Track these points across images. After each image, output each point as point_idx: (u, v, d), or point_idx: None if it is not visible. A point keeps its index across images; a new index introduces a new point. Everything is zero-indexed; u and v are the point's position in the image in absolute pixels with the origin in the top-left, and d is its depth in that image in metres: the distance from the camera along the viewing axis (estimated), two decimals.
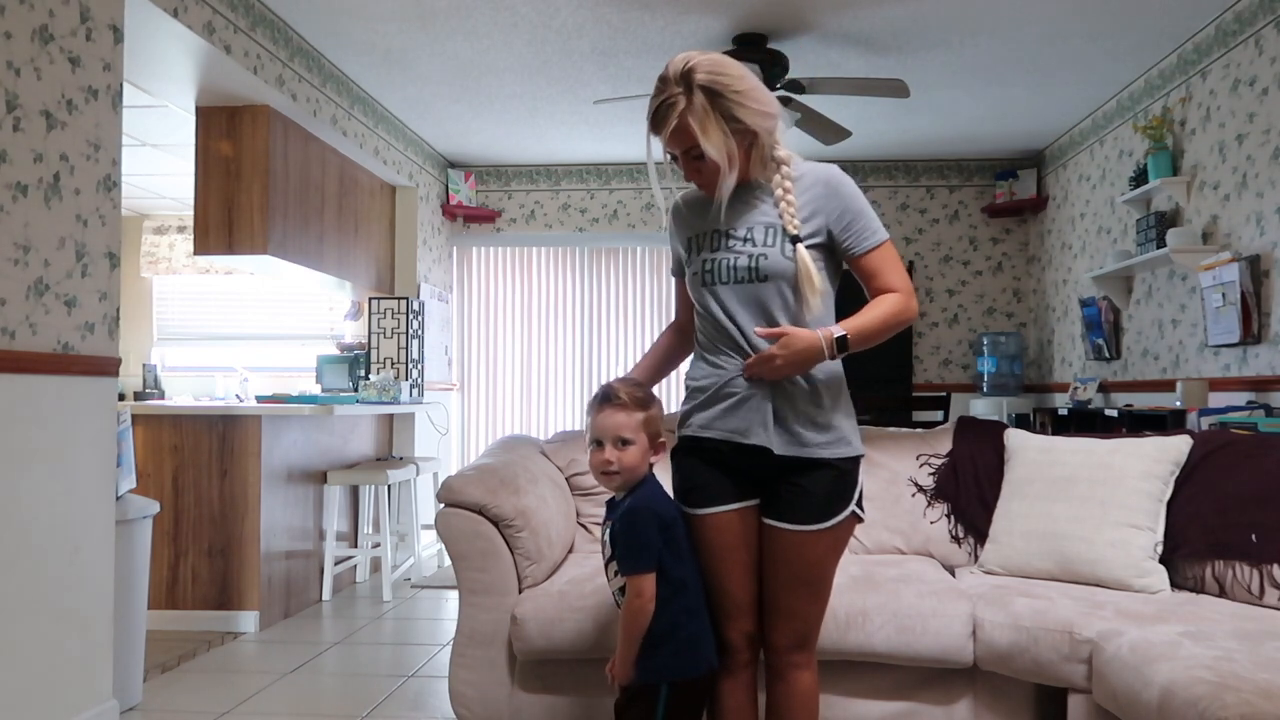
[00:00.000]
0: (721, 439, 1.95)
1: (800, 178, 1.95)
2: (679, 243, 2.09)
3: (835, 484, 1.93)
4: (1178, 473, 2.69)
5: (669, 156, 1.95)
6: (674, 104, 1.84)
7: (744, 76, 1.87)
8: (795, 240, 1.89)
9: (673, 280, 2.23)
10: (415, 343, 5.80)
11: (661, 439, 2.04)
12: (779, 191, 1.92)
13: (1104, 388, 5.39)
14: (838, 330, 1.87)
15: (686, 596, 1.99)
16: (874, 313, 1.92)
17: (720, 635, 2.02)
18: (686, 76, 1.83)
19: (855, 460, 1.98)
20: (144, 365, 6.90)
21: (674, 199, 2.12)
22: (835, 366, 1.96)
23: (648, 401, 2.04)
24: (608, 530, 2.02)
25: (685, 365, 2.16)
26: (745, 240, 1.93)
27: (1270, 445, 2.65)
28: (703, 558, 2.00)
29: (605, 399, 2.01)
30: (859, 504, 1.98)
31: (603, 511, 3.18)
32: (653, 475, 2.05)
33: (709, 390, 1.97)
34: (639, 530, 1.95)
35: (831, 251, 1.97)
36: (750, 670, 2.04)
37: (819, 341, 1.85)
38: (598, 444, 2.01)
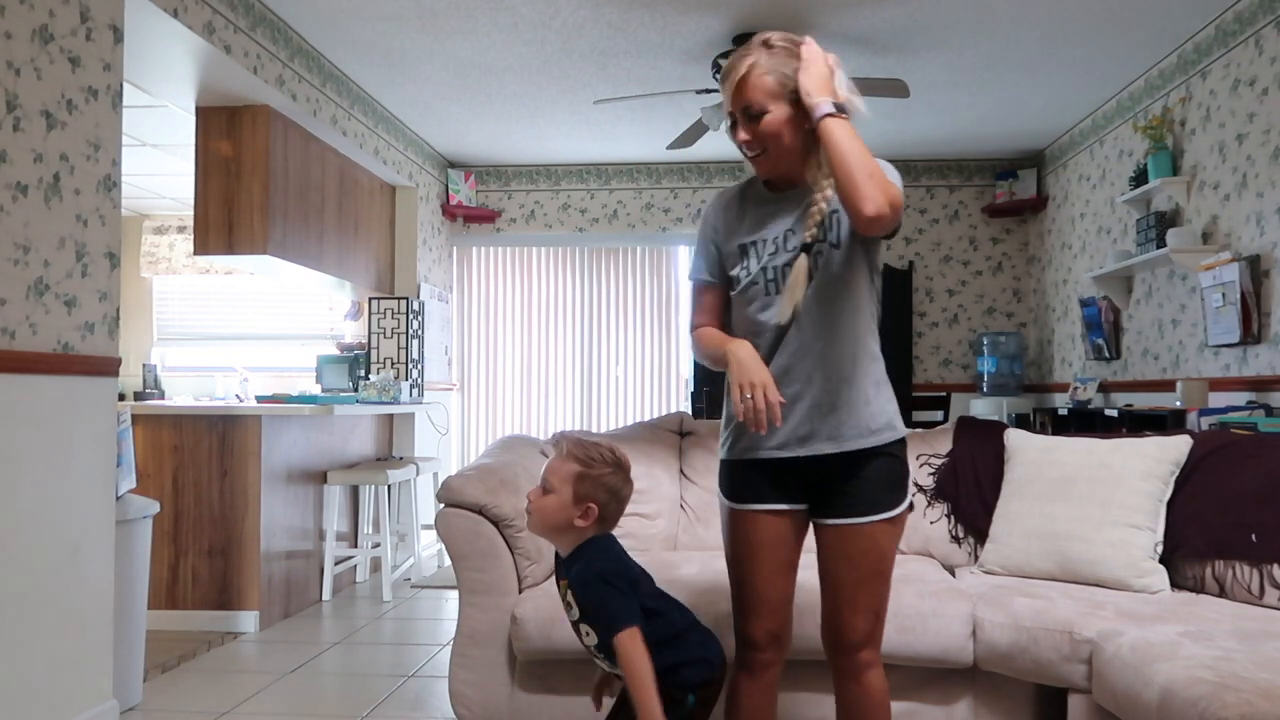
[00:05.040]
0: (782, 457, 1.93)
1: None
2: (727, 245, 2.00)
3: (892, 471, 1.93)
4: (1178, 473, 2.69)
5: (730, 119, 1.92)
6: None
7: None
8: (805, 248, 1.86)
9: (696, 287, 2.09)
10: (415, 343, 5.80)
11: (592, 504, 1.98)
12: (816, 195, 1.87)
13: (1104, 388, 5.39)
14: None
15: (658, 618, 1.99)
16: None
17: (742, 631, 1.99)
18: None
19: (903, 443, 1.96)
20: (144, 365, 6.90)
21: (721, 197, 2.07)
22: (877, 351, 1.96)
23: (592, 461, 1.99)
24: (568, 591, 2.01)
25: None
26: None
27: (1270, 445, 2.65)
28: (733, 552, 1.99)
29: (554, 442, 2.04)
30: (908, 493, 1.99)
31: None
32: (600, 538, 2.02)
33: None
34: (608, 594, 1.93)
35: (866, 251, 1.92)
36: (773, 672, 2.00)
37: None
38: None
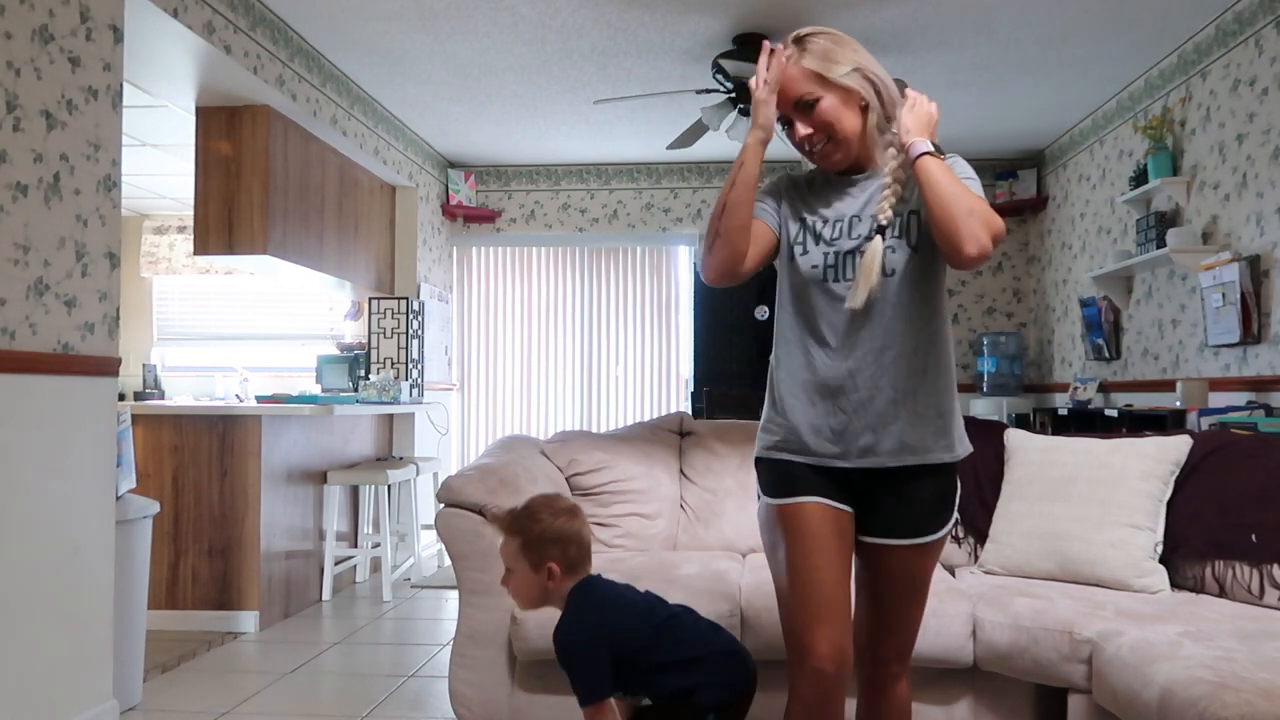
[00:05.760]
0: (837, 467, 1.81)
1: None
2: (789, 213, 1.88)
3: (942, 491, 1.84)
4: (1178, 473, 2.69)
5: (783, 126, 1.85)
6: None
7: None
8: (880, 230, 1.74)
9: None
10: (415, 343, 5.80)
11: (551, 564, 1.96)
12: (887, 178, 1.79)
13: (1104, 388, 5.39)
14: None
15: (671, 643, 1.98)
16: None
17: (806, 646, 1.75)
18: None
19: (961, 460, 1.86)
20: (144, 365, 6.90)
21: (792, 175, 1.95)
22: (950, 362, 1.84)
23: (528, 526, 1.98)
24: None
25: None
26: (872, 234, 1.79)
27: (1270, 445, 2.65)
28: (789, 552, 1.79)
29: (509, 525, 2.01)
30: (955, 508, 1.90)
31: (604, 513, 3.20)
32: (579, 589, 2.01)
33: (808, 414, 1.82)
34: (578, 666, 1.92)
35: (934, 248, 1.77)
36: (838, 704, 1.78)
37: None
38: None
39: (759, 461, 1.89)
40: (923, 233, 1.78)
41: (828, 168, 1.85)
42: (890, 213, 1.76)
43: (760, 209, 1.87)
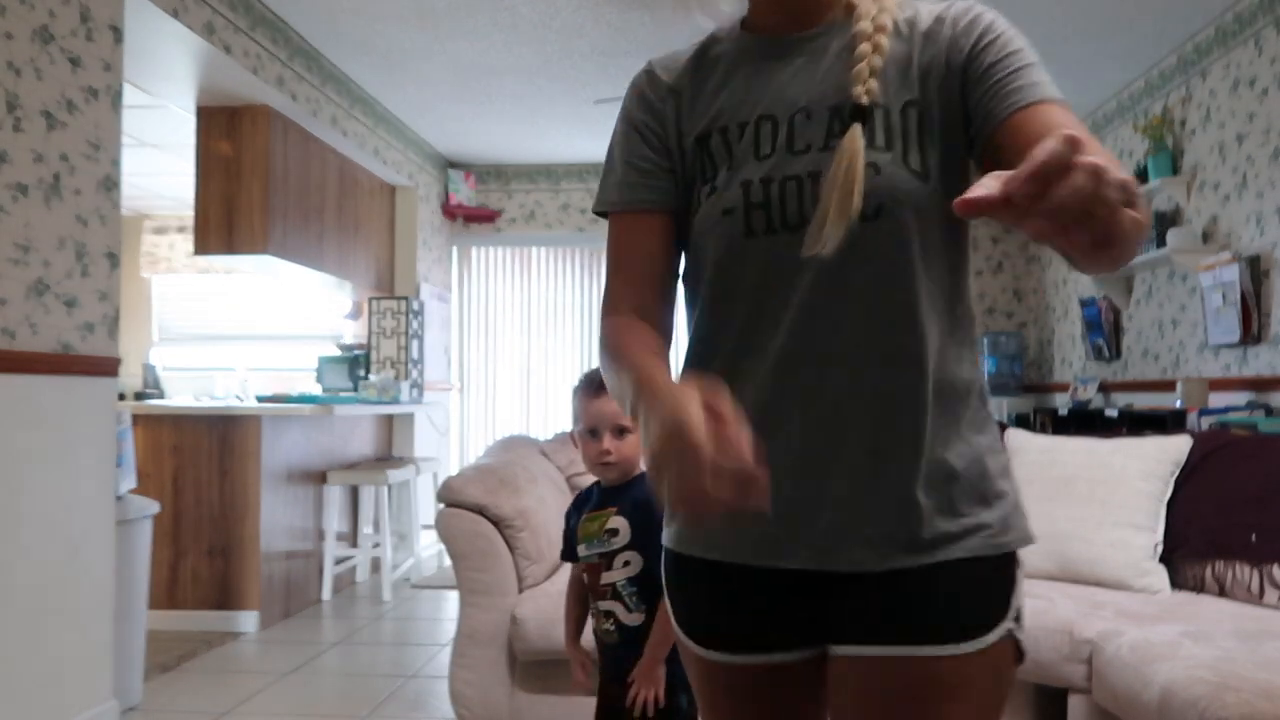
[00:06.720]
0: (784, 569, 0.98)
1: (909, 19, 1.00)
2: (681, 151, 1.06)
3: (985, 580, 0.96)
4: (1178, 473, 2.69)
5: None
6: None
7: None
8: (858, 115, 0.93)
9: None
10: (415, 343, 5.80)
11: None
12: (864, 24, 0.97)
13: (1104, 388, 5.39)
14: None
15: None
16: None
17: None
18: None
19: (1016, 550, 0.98)
20: (144, 365, 6.89)
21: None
22: (974, 374, 1.00)
23: None
24: (612, 518, 1.90)
25: None
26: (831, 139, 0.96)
27: (1270, 445, 2.65)
28: None
29: (602, 385, 1.88)
30: (1018, 620, 0.97)
31: None
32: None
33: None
34: None
35: (949, 136, 0.96)
36: None
37: None
38: (591, 433, 1.90)
39: (666, 553, 1.10)
40: (940, 148, 0.96)
41: None
42: (874, 85, 0.95)
43: (619, 199, 1.08)
